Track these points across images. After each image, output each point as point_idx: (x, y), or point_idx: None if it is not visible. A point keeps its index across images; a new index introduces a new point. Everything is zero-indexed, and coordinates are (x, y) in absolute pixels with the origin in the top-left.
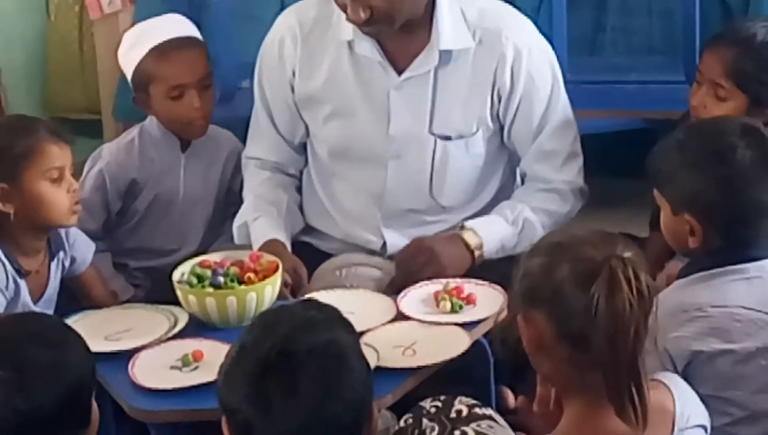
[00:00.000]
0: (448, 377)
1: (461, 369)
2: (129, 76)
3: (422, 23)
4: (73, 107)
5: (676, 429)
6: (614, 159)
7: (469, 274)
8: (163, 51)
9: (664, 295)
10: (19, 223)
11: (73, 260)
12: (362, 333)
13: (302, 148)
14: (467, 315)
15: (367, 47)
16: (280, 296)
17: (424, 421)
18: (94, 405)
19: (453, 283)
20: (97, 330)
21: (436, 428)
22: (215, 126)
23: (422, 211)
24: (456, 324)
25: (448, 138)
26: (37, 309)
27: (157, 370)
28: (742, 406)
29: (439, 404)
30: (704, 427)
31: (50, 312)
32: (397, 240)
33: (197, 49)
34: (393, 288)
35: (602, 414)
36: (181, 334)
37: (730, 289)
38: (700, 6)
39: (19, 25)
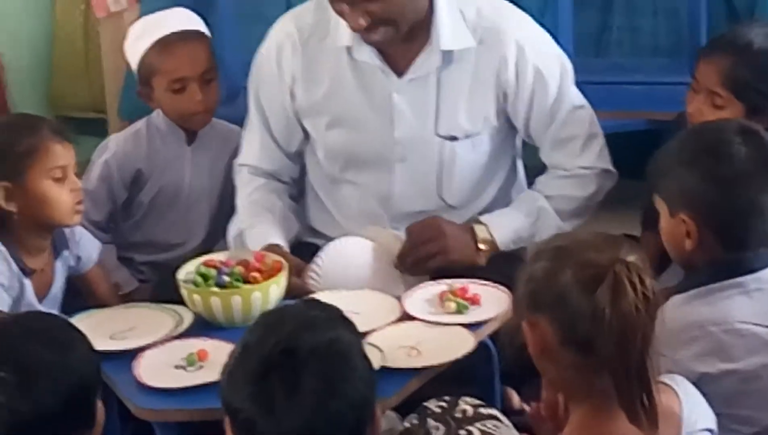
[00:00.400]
0: (452, 378)
1: (466, 369)
2: (134, 69)
3: (421, 25)
4: (78, 106)
5: (683, 432)
6: (619, 160)
7: (471, 273)
8: (166, 44)
9: (662, 313)
10: (22, 222)
11: (78, 259)
12: (367, 333)
13: (297, 157)
14: (472, 316)
15: (366, 52)
16: (294, 290)
17: (429, 421)
18: (100, 405)
19: (458, 283)
20: (102, 329)
21: (441, 428)
22: (223, 121)
23: (430, 211)
24: (461, 324)
25: (454, 138)
26: (42, 308)
27: (162, 369)
28: (751, 422)
29: (444, 404)
30: (711, 431)
31: (56, 310)
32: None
33: (200, 43)
34: (401, 259)
35: (608, 418)
36: (186, 334)
37: (730, 304)
38: (705, 7)
39: (24, 23)
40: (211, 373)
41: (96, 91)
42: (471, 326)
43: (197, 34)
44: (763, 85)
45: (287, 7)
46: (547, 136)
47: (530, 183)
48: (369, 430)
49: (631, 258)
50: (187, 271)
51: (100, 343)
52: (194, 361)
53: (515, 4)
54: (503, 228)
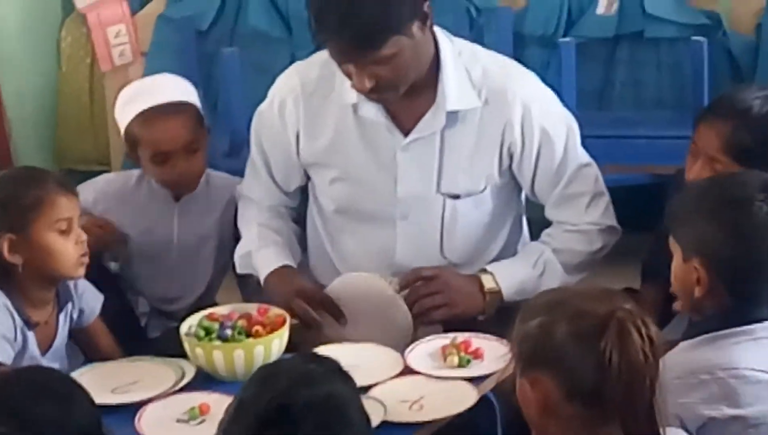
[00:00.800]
0: (455, 432)
1: (468, 423)
2: (122, 134)
3: (427, 84)
4: (83, 159)
5: None
6: (623, 214)
7: (466, 327)
8: (148, 117)
9: (670, 358)
10: (27, 274)
11: (81, 312)
12: (369, 387)
13: (298, 191)
14: (475, 370)
15: (372, 110)
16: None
17: None
18: None
19: (461, 337)
20: (105, 382)
21: None
22: (222, 173)
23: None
24: (463, 378)
25: (456, 196)
26: (44, 361)
27: (164, 423)
28: None
29: None
30: None
31: (58, 364)
32: None
33: (183, 116)
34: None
35: None
36: (189, 387)
37: (737, 350)
38: (708, 61)
39: (30, 76)
40: (213, 427)
41: (101, 144)
42: (473, 380)
43: (182, 106)
44: (764, 150)
45: (292, 60)
46: (554, 194)
47: (534, 237)
48: None
49: (627, 305)
50: (189, 325)
51: (102, 397)
52: (196, 415)
53: (517, 58)
54: (510, 278)
